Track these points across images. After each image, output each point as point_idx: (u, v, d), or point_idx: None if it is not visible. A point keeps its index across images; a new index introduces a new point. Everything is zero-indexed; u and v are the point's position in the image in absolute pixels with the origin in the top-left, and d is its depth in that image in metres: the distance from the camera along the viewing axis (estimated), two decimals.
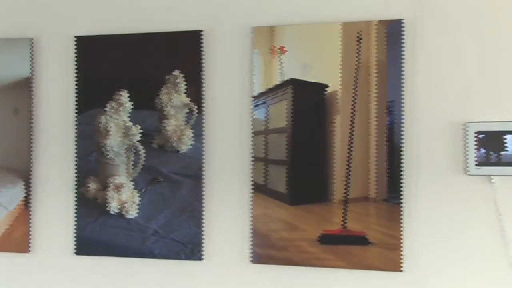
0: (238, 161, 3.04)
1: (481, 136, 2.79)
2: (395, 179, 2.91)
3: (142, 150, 3.23)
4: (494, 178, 2.72)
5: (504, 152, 2.71)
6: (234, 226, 3.04)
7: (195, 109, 3.08)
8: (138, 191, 3.24)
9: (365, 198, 2.92)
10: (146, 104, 3.24)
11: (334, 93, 2.98)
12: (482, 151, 2.79)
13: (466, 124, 2.74)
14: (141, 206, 3.12)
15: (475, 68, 2.72)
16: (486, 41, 2.71)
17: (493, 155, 2.80)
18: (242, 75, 3.01)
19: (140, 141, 3.15)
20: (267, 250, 3.08)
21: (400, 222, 2.80)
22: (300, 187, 3.06)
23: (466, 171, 2.74)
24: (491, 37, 2.70)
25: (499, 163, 2.71)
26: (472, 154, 2.75)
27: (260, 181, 3.10)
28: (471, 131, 2.74)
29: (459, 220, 2.77)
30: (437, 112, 2.79)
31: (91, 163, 3.31)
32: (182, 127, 3.17)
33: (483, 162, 2.73)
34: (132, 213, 3.12)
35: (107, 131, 3.24)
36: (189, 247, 3.08)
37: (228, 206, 3.04)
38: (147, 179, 3.20)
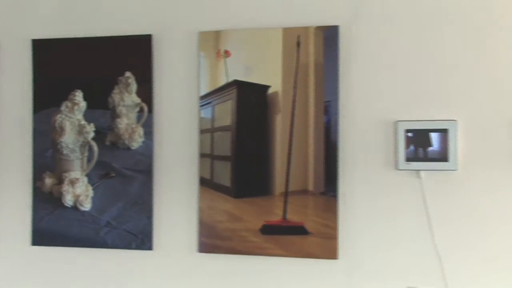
0: (186, 157, 3.05)
1: (409, 134, 2.84)
2: (331, 174, 2.95)
3: (95, 147, 3.23)
4: (422, 173, 2.75)
5: (430, 148, 2.75)
6: (182, 217, 3.04)
7: (146, 108, 3.08)
8: (92, 185, 3.25)
9: (304, 191, 2.89)
10: (99, 104, 3.24)
11: (275, 93, 3.00)
12: (411, 147, 2.84)
13: (396, 123, 2.76)
14: (94, 199, 3.12)
15: (405, 70, 2.77)
16: (414, 45, 2.76)
17: (420, 151, 2.84)
18: (190, 76, 3.01)
19: (94, 139, 3.13)
20: (212, 240, 3.11)
21: (336, 213, 2.82)
22: (244, 181, 3.08)
23: (396, 166, 2.77)
24: (419, 41, 2.76)
25: (426, 158, 2.73)
26: (402, 150, 2.76)
27: (207, 175, 3.13)
28: (400, 130, 2.76)
29: (390, 210, 2.80)
30: (370, 112, 2.80)
31: (47, 159, 3.30)
32: (133, 125, 3.18)
33: (412, 158, 2.75)
34: (86, 206, 3.12)
35: (62, 129, 3.25)
36: (140, 238, 3.08)
37: (176, 199, 3.04)
38: (101, 174, 3.22)
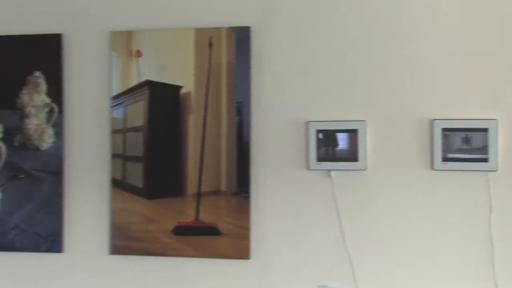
0: (97, 158, 2.76)
1: (320, 134, 2.63)
2: (244, 174, 2.69)
3: (3, 148, 2.90)
4: (332, 172, 2.54)
5: (340, 148, 2.54)
6: (94, 219, 2.76)
7: (56, 109, 2.78)
8: (0, 187, 2.79)
9: (217, 192, 2.64)
10: (8, 104, 2.90)
11: (187, 94, 2.73)
12: (323, 148, 2.62)
13: (307, 123, 2.54)
14: (2, 201, 2.78)
15: (316, 71, 2.57)
16: (325, 46, 2.56)
17: (331, 151, 2.63)
18: (101, 76, 2.75)
19: (2, 139, 2.89)
20: (125, 242, 2.81)
21: (249, 214, 2.59)
22: (156, 182, 2.80)
23: (308, 167, 2.55)
24: (329, 43, 2.56)
25: (336, 158, 2.53)
26: (313, 150, 2.55)
27: (119, 176, 2.82)
28: (312, 130, 2.54)
29: (301, 210, 2.58)
30: (282, 112, 2.58)
31: None
32: (43, 126, 2.86)
33: (323, 158, 2.54)
34: None
35: None
36: (49, 240, 2.80)
37: (87, 201, 2.77)
38: (8, 175, 2.89)
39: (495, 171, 2.35)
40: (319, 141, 2.51)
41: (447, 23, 2.42)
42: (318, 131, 2.51)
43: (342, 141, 2.50)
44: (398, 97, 2.45)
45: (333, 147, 2.52)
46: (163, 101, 2.80)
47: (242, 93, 2.62)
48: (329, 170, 2.52)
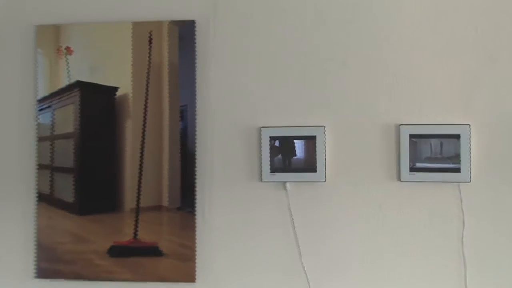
0: (21, 168, 2.39)
1: (275, 141, 2.28)
2: (188, 187, 2.33)
3: None
4: (288, 184, 2.23)
5: (297, 158, 2.24)
6: (17, 239, 2.38)
7: None
8: None
9: (158, 207, 2.31)
10: None
11: (124, 96, 2.35)
12: (279, 157, 2.27)
13: (260, 130, 2.23)
14: None
15: (269, 73, 2.25)
16: (280, 45, 2.25)
17: (287, 160, 2.28)
18: (26, 76, 2.39)
19: None
20: (53, 264, 2.40)
21: (194, 231, 2.27)
22: (89, 196, 2.40)
23: (260, 178, 2.24)
24: (285, 41, 2.25)
25: (291, 168, 2.22)
26: (267, 160, 2.25)
27: (46, 190, 2.43)
28: (265, 137, 2.23)
29: (253, 226, 2.26)
30: (231, 118, 2.28)
31: None
32: None
33: (278, 168, 2.23)
34: None
35: None
36: None
37: (10, 218, 2.39)
38: None
39: (468, 182, 2.10)
40: (273, 149, 2.21)
41: (415, 22, 2.16)
42: (272, 138, 2.21)
43: (299, 149, 2.20)
44: (361, 100, 2.16)
45: (289, 156, 2.21)
46: (96, 104, 2.40)
47: (186, 95, 2.29)
48: (284, 181, 2.21)
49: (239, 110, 2.24)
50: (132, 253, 2.36)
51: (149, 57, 2.34)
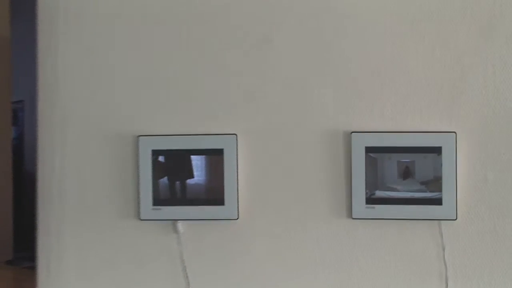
0: None
1: (160, 157, 1.56)
2: (26, 229, 1.69)
3: None
4: (179, 224, 1.55)
5: (191, 182, 1.55)
6: None
7: None
8: None
9: None
10: None
11: None
12: (165, 180, 1.56)
13: (137, 139, 1.56)
14: None
15: (150, 54, 1.63)
16: (168, 12, 1.62)
17: (178, 187, 1.57)
18: None
19: None
20: None
21: None
22: None
23: (138, 214, 1.55)
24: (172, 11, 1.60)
25: (186, 200, 1.55)
26: (148, 186, 1.56)
27: None
28: (145, 150, 1.56)
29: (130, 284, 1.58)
30: (93, 121, 1.61)
31: None
32: None
33: (164, 199, 1.55)
34: None
35: None
36: None
37: None
38: None
39: (453, 219, 1.47)
40: (157, 169, 1.54)
41: None
42: (156, 153, 1.54)
43: (198, 169, 1.54)
44: (292, 96, 1.56)
45: (182, 180, 1.55)
46: None
47: (23, 87, 1.78)
48: (175, 220, 1.54)
49: (105, 111, 1.58)
50: None
51: None
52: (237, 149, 1.53)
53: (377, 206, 1.51)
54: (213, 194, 1.54)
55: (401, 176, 1.51)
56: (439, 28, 1.50)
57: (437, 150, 1.48)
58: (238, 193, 1.53)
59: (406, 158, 1.51)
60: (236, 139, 1.54)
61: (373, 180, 1.51)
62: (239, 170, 1.54)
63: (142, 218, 1.55)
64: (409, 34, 1.51)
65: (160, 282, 1.57)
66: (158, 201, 1.54)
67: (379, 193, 1.51)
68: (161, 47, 1.59)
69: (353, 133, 1.52)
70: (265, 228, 1.55)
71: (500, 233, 1.49)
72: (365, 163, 1.51)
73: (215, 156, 1.54)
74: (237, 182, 1.52)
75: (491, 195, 1.50)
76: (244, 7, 1.59)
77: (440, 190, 1.49)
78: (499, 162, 1.50)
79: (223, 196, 1.53)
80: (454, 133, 1.48)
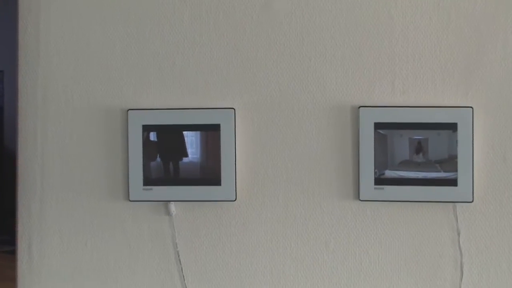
0: None
1: (152, 133, 1.43)
2: (5, 209, 1.50)
3: None
4: (172, 206, 1.42)
5: (185, 161, 1.42)
6: None
7: None
8: None
9: None
10: None
11: None
12: (157, 159, 1.43)
13: (127, 113, 1.44)
14: None
15: (140, 17, 1.47)
16: None
17: (171, 166, 1.43)
18: None
19: None
20: None
21: (15, 284, 1.44)
22: None
23: (128, 195, 1.43)
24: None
25: (178, 179, 1.42)
26: (138, 165, 1.43)
27: None
28: (135, 126, 1.43)
29: (116, 273, 1.47)
30: (78, 93, 1.47)
31: None
32: None
33: (156, 178, 1.42)
34: None
35: None
36: None
37: None
38: None
39: (469, 202, 1.34)
40: (148, 146, 1.41)
41: None
42: (147, 128, 1.40)
43: (192, 147, 1.41)
44: (293, 67, 1.42)
45: (175, 159, 1.43)
46: None
47: (2, 56, 1.53)
48: (167, 201, 1.41)
49: (92, 82, 1.44)
50: None
51: None
52: (235, 124, 1.41)
53: (386, 187, 1.38)
54: (208, 173, 1.41)
55: (413, 154, 1.38)
56: None
57: (453, 127, 1.36)
58: (236, 172, 1.40)
59: (418, 135, 1.38)
60: (234, 114, 1.41)
61: (383, 159, 1.38)
62: (237, 148, 1.41)
63: (131, 199, 1.43)
64: None
65: (151, 267, 1.44)
66: (149, 180, 1.41)
67: (389, 173, 1.38)
68: (152, 14, 1.46)
69: (361, 108, 1.39)
70: (264, 211, 1.42)
71: None
72: (374, 140, 1.38)
73: (211, 132, 1.41)
74: (235, 161, 1.40)
75: (510, 176, 1.37)
76: None
77: (455, 170, 1.36)
78: None
79: (220, 175, 1.40)
80: (470, 108, 1.35)
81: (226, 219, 1.44)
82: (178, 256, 1.44)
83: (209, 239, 1.44)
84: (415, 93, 1.39)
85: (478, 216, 1.38)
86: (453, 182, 1.36)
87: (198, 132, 1.42)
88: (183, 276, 1.43)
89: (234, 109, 1.41)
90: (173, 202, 1.42)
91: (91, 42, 1.45)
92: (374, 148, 1.38)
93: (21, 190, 1.47)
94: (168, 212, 1.43)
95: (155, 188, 1.41)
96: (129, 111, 1.42)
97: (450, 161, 1.37)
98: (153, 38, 1.44)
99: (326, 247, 1.42)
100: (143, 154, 1.41)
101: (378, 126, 1.38)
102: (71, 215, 1.46)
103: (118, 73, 1.44)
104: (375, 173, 1.38)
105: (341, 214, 1.41)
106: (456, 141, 1.35)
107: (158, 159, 1.42)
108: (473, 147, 1.35)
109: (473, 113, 1.34)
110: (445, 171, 1.37)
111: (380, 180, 1.38)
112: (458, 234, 1.38)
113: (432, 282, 1.40)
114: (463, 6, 1.37)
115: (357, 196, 1.39)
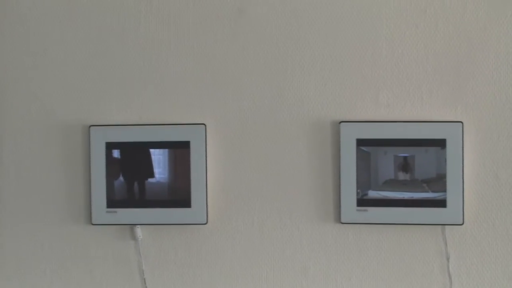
0: None
1: (116, 151, 1.34)
2: None
3: None
4: (138, 229, 1.34)
5: (151, 181, 1.34)
6: None
7: None
8: None
9: None
10: None
11: None
12: (120, 179, 1.36)
13: (89, 130, 1.40)
14: None
15: (105, 23, 1.39)
16: None
17: (136, 186, 1.34)
18: None
19: None
20: None
21: None
22: None
23: (90, 218, 1.35)
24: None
25: (145, 201, 1.33)
26: (101, 185, 1.35)
27: None
28: (97, 143, 1.39)
29: None
30: (36, 107, 1.40)
31: None
32: None
33: (120, 200, 1.34)
34: None
35: None
36: None
37: None
38: None
39: (459, 224, 1.28)
40: (111, 165, 1.32)
41: None
42: (110, 146, 1.32)
43: (160, 166, 1.33)
44: (266, 83, 1.34)
45: (141, 179, 1.33)
46: None
47: None
48: (133, 224, 1.33)
49: (50, 96, 1.36)
50: None
51: None
52: (206, 141, 1.34)
53: (370, 209, 1.32)
54: (177, 195, 1.34)
55: (399, 173, 1.33)
56: None
57: (441, 143, 1.31)
58: (207, 193, 1.33)
59: (404, 152, 1.33)
60: (205, 130, 1.34)
61: (366, 178, 1.32)
62: (208, 166, 1.34)
63: (94, 222, 1.35)
64: (407, 6, 1.31)
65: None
66: (113, 202, 1.34)
67: (373, 194, 1.32)
68: (116, 23, 1.38)
69: (342, 123, 1.33)
70: (238, 235, 1.36)
71: None
72: (356, 158, 1.33)
73: (180, 150, 1.34)
74: (206, 181, 1.33)
75: (503, 196, 1.31)
76: None
77: (444, 190, 1.31)
78: None
79: (189, 196, 1.33)
80: (460, 123, 1.30)
81: (196, 244, 1.36)
82: (145, 283, 1.36)
83: (178, 266, 1.37)
84: (400, 107, 1.33)
85: (468, 240, 1.33)
86: (441, 203, 1.31)
87: (166, 150, 1.34)
88: None
89: (205, 125, 1.34)
90: (139, 226, 1.34)
91: (49, 53, 1.37)
92: (356, 166, 1.32)
93: None
94: (133, 237, 1.36)
95: (119, 210, 1.34)
96: (91, 127, 1.34)
97: (438, 181, 1.31)
98: (117, 48, 1.37)
99: (304, 274, 1.35)
100: (106, 174, 1.33)
101: (360, 142, 1.32)
102: (29, 240, 1.38)
103: (79, 86, 1.36)
104: (357, 193, 1.32)
105: (320, 238, 1.34)
106: (445, 158, 1.30)
107: (123, 179, 1.34)
108: (463, 165, 1.29)
109: (463, 128, 1.29)
110: (433, 191, 1.32)
111: (362, 201, 1.32)
112: (448, 259, 1.33)
113: None
114: (452, 13, 1.32)
115: (338, 218, 1.33)
